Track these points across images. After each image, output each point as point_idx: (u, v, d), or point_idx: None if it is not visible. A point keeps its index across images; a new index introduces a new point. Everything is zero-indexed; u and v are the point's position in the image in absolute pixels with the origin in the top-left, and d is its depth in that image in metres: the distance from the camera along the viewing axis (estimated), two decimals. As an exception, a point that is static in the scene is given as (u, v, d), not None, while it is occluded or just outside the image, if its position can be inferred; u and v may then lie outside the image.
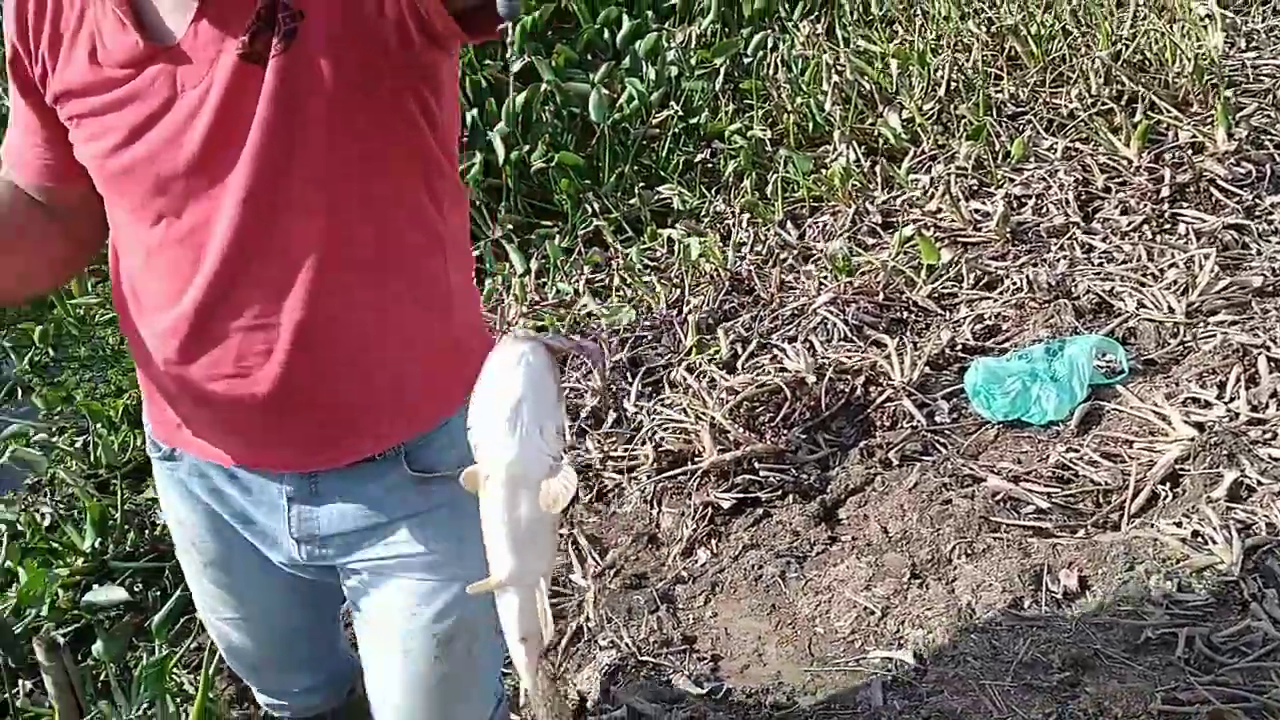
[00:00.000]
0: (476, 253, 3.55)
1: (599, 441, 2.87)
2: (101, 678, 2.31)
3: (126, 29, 1.16)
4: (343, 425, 1.32)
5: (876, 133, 4.05)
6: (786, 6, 4.72)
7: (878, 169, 3.85)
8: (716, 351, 3.09)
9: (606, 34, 4.34)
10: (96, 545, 2.62)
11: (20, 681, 2.32)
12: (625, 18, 4.36)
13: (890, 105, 4.12)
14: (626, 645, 2.34)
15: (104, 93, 1.20)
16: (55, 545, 2.67)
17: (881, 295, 3.25)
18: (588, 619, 2.41)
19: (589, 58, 4.24)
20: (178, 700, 2.23)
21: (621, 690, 2.22)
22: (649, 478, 2.76)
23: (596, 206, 3.73)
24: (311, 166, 1.17)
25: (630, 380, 3.05)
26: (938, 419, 2.79)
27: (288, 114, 1.15)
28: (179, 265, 1.23)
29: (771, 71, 4.32)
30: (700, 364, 3.05)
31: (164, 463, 1.46)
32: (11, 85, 1.31)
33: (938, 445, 2.71)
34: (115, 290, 1.36)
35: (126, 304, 1.32)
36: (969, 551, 2.33)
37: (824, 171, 3.86)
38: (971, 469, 2.59)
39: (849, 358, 2.99)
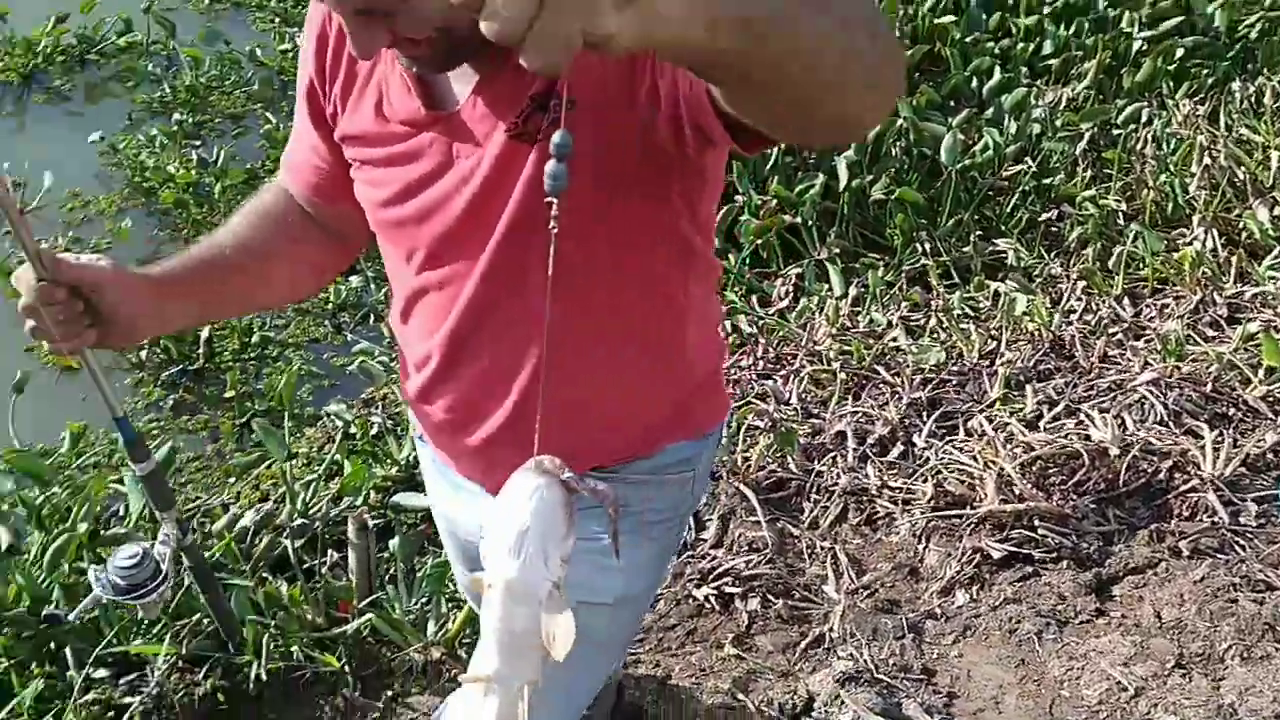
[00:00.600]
0: (798, 270, 3.66)
1: (880, 469, 2.89)
2: (391, 571, 2.59)
3: (410, 93, 1.23)
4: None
5: (1240, 224, 3.80)
6: (1171, 84, 4.52)
7: (1234, 260, 3.62)
8: (1020, 407, 3.03)
9: (974, 82, 4.33)
10: (410, 459, 2.94)
11: (328, 552, 2.65)
12: (997, 70, 4.34)
13: (1262, 199, 3.86)
14: (865, 662, 2.36)
15: (386, 146, 1.27)
16: (377, 451, 3.02)
17: (1210, 387, 3.06)
18: (832, 629, 2.45)
19: (951, 103, 4.26)
20: (449, 604, 2.48)
21: (850, 698, 2.25)
22: (922, 513, 2.76)
23: (928, 247, 3.74)
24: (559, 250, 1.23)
25: (924, 419, 3.05)
26: (1242, 519, 2.61)
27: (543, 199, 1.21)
28: (433, 311, 1.32)
29: (1139, 145, 4.16)
30: (1001, 416, 3.00)
31: (419, 440, 1.60)
32: (302, 111, 1.41)
33: (1236, 545, 2.54)
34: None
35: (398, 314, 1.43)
36: (1245, 655, 2.18)
37: (1174, 254, 3.67)
38: (1267, 576, 2.41)
39: (1159, 439, 2.85)
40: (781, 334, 3.41)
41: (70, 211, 4.16)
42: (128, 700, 2.22)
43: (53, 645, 2.32)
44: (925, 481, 2.84)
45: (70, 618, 2.01)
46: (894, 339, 3.39)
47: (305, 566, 2.57)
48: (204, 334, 3.46)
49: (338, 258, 1.56)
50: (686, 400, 1.42)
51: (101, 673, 2.27)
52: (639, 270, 1.26)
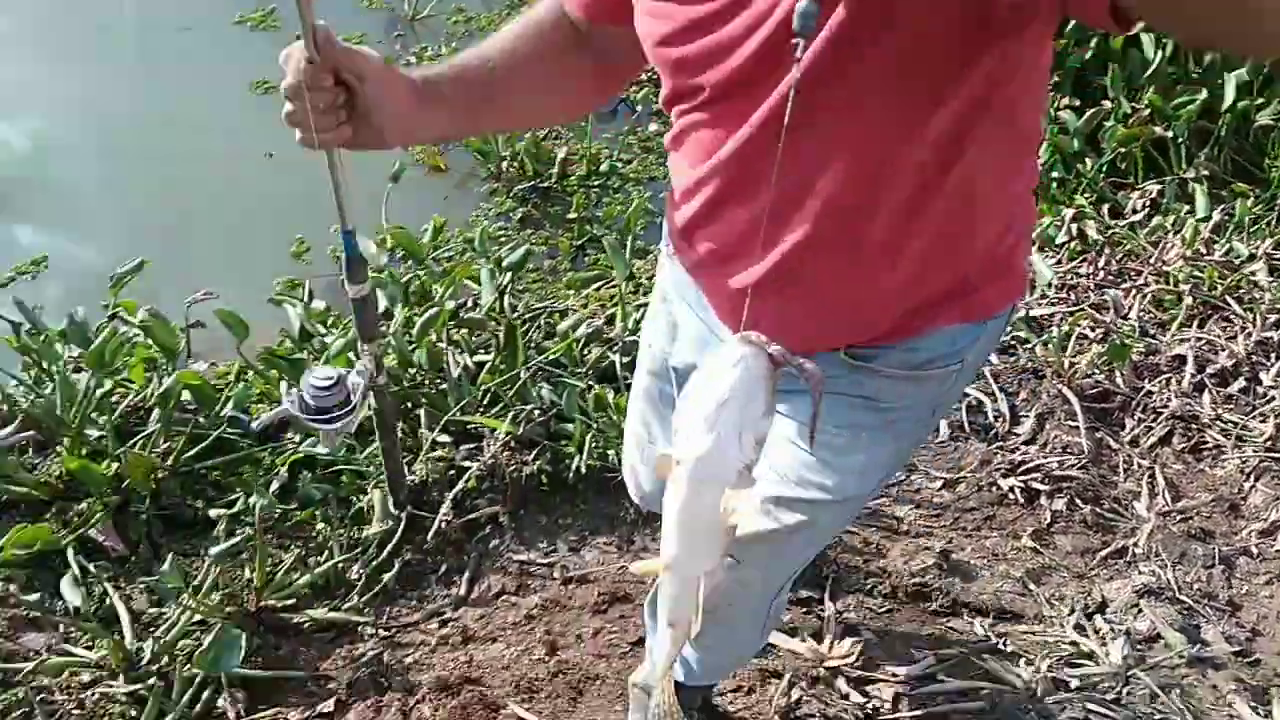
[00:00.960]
0: (1159, 186, 3.45)
1: (1216, 400, 2.75)
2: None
3: None
4: (817, 324, 1.27)
5: None
6: None
7: None
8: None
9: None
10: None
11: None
12: None
13: None
14: (1167, 581, 2.30)
15: None
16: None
17: None
18: (1137, 544, 2.39)
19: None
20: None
21: (1149, 609, 2.21)
22: (1255, 452, 2.61)
23: (1309, 184, 3.43)
24: (851, 109, 1.08)
25: (1274, 360, 2.86)
26: None
27: (843, 52, 1.04)
28: (704, 145, 1.22)
29: None
30: (1364, 371, 2.77)
31: (668, 258, 1.47)
32: None
33: None
34: None
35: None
36: None
37: None
38: None
39: None
40: (1129, 248, 3.25)
41: (454, 24, 4.46)
42: (466, 464, 2.47)
43: (409, 404, 2.60)
44: (1265, 421, 2.68)
45: (253, 427, 1.95)
46: (1253, 273, 3.16)
47: (627, 382, 2.74)
48: (559, 154, 3.67)
49: (605, 82, 1.46)
50: (970, 274, 1.26)
51: (444, 438, 2.53)
52: (929, 122, 1.10)
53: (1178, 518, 2.49)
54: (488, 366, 2.67)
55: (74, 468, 2.28)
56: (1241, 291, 3.11)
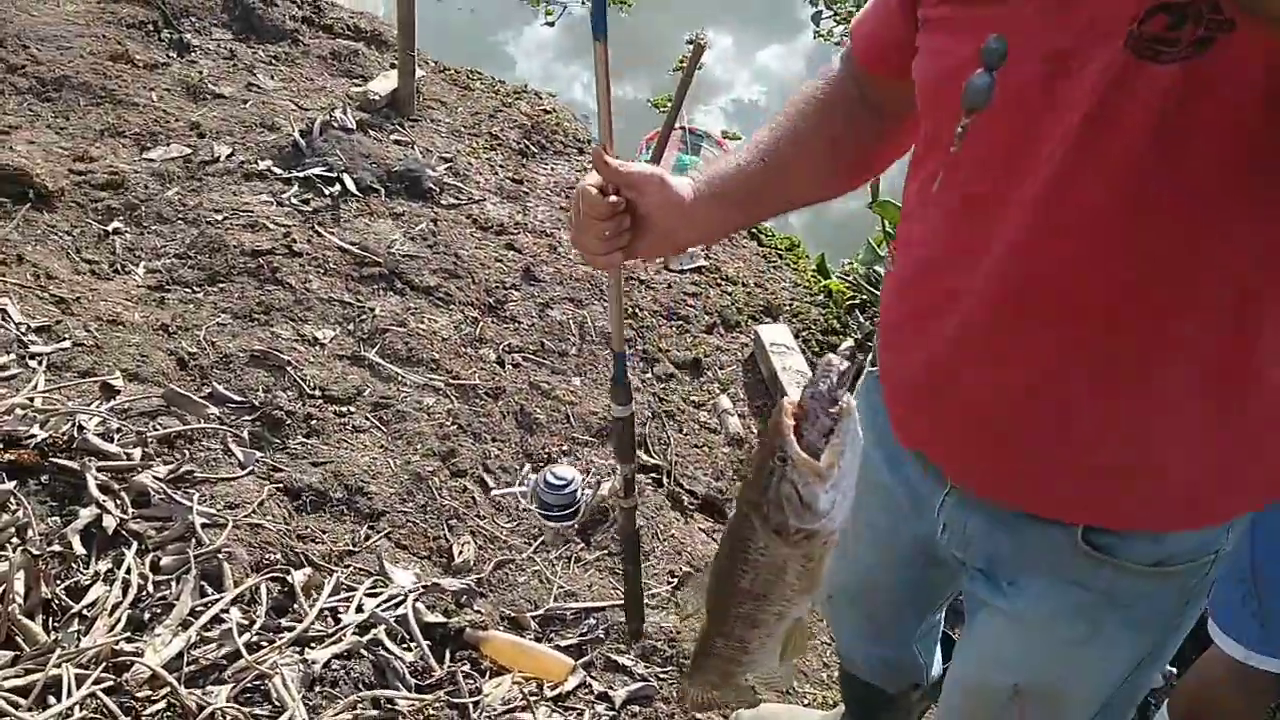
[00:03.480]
0: None
1: None
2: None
3: None
4: (1021, 462, 1.14)
5: None
6: None
7: None
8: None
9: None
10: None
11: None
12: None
13: None
14: None
15: (967, 6, 1.03)
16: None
17: None
18: None
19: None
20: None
21: None
22: None
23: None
24: (1138, 217, 0.94)
25: None
26: None
27: (1166, 142, 0.89)
28: (932, 221, 1.12)
29: None
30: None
31: (869, 367, 1.40)
32: None
33: None
34: None
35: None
36: None
37: None
38: None
39: None
40: None
41: None
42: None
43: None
44: None
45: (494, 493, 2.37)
46: None
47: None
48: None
49: (889, 145, 1.33)
50: (1243, 457, 1.08)
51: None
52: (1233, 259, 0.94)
53: None
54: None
55: None
56: None
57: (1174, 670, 2.46)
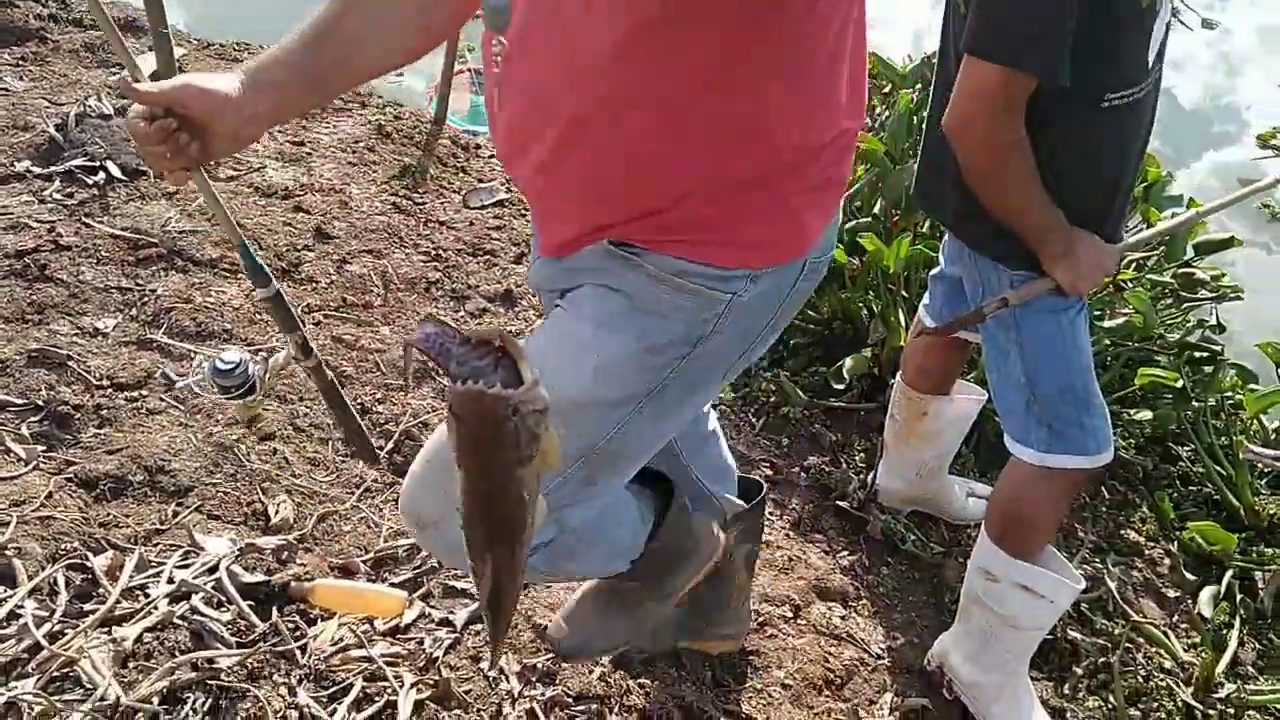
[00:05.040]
0: None
1: None
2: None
3: None
4: (575, 211, 1.34)
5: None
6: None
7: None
8: None
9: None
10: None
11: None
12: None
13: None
14: None
15: None
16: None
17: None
18: None
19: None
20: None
21: None
22: None
23: None
24: None
25: None
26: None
27: None
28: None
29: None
30: None
31: None
32: None
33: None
34: None
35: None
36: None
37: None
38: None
39: None
40: None
41: None
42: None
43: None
44: None
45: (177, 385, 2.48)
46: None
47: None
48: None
49: (423, 41, 1.45)
50: (721, 203, 1.27)
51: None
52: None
53: None
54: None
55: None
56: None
57: (984, 488, 2.58)
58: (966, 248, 1.99)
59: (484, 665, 1.97)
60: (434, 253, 3.23)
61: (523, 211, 3.55)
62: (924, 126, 2.03)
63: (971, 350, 2.48)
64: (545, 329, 1.42)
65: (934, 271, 2.31)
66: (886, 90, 3.70)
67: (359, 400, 2.62)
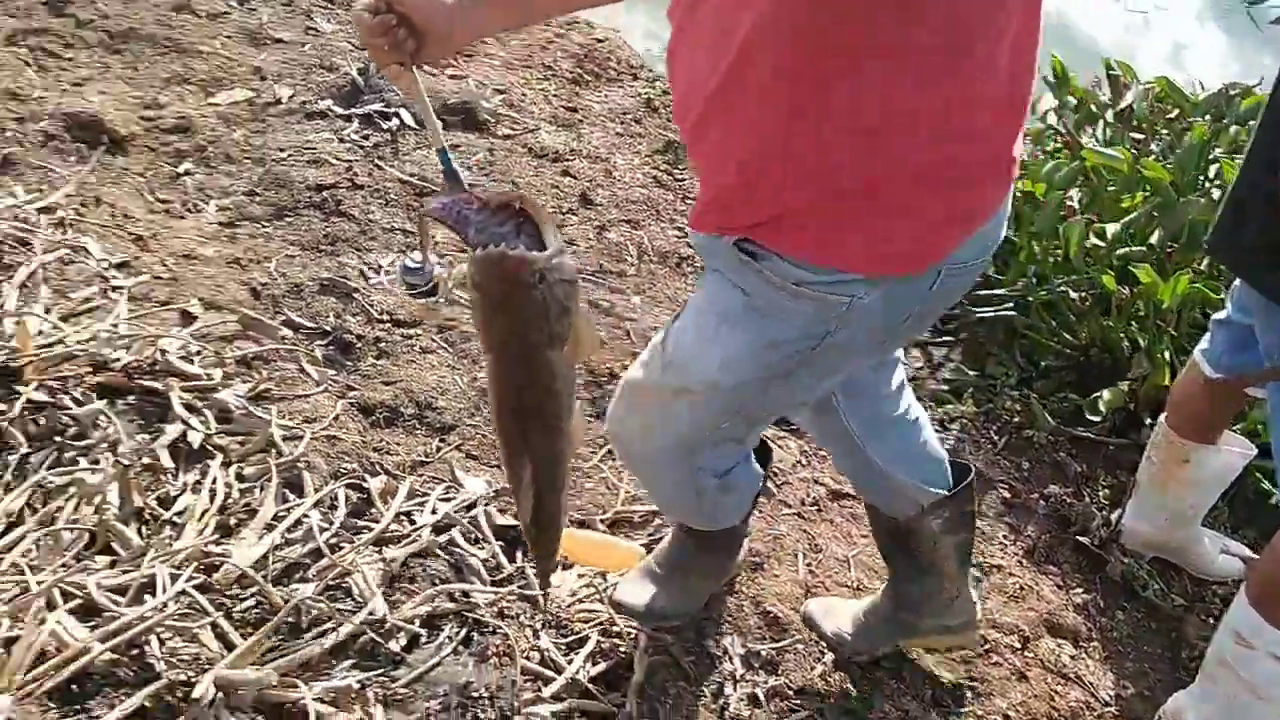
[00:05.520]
0: None
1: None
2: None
3: None
4: (712, 194, 1.41)
5: None
6: None
7: None
8: None
9: None
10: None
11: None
12: None
13: None
14: None
15: None
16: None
17: None
18: None
19: None
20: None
21: None
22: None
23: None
24: None
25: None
26: None
27: None
28: None
29: None
30: None
31: None
32: None
33: None
34: None
35: None
36: None
37: None
38: None
39: None
40: None
41: None
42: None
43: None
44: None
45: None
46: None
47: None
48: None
49: None
50: (840, 205, 1.32)
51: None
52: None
53: None
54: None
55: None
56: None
57: (1250, 554, 2.43)
58: (1268, 300, 1.87)
59: (708, 643, 2.02)
60: (688, 230, 3.29)
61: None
62: (1242, 164, 1.92)
63: (1245, 402, 2.34)
64: (686, 310, 1.53)
65: (1218, 316, 2.18)
66: (1172, 116, 3.50)
67: (606, 366, 2.71)
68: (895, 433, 1.83)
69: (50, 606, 1.68)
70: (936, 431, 2.06)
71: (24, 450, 1.95)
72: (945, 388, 2.95)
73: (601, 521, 2.26)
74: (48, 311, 2.26)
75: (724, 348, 1.44)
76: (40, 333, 2.17)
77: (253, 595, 1.83)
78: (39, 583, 1.71)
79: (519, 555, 2.07)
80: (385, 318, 2.68)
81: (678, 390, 1.50)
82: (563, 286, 0.94)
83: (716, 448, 1.63)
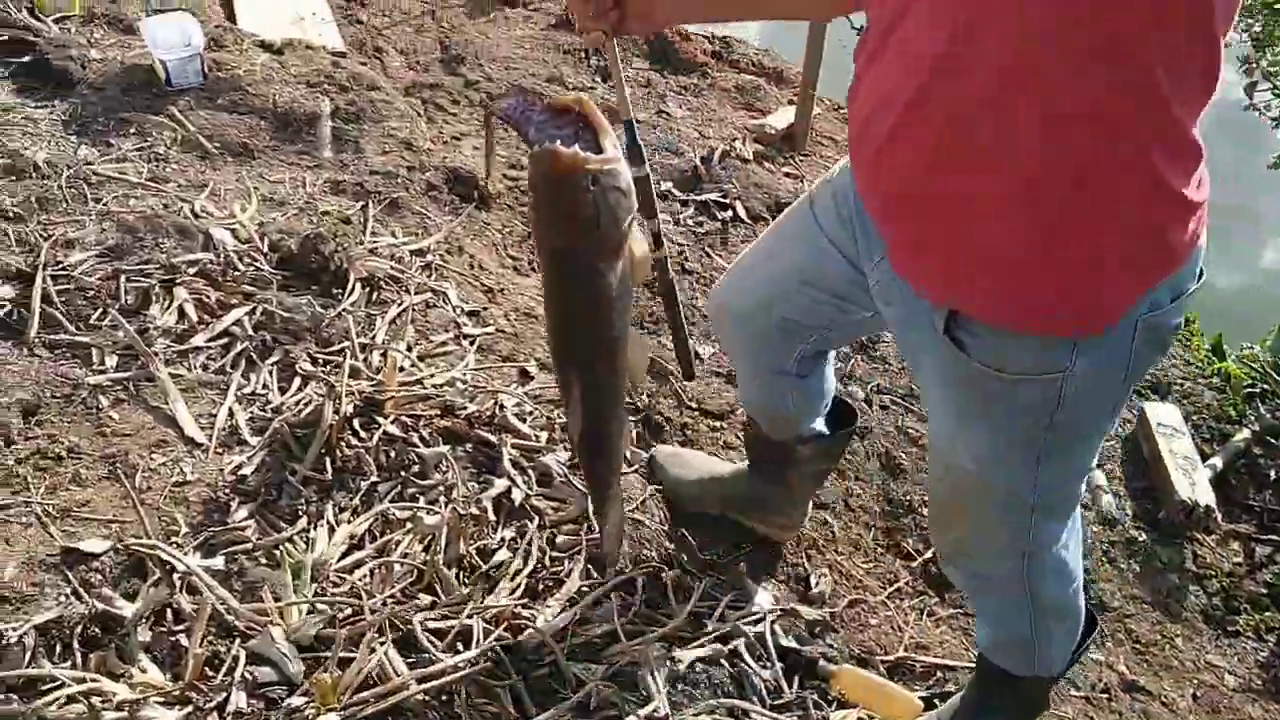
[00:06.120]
0: None
1: None
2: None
3: None
4: (911, 247, 1.38)
5: None
6: None
7: None
8: None
9: None
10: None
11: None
12: None
13: None
14: None
15: None
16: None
17: None
18: None
19: None
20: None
21: None
22: None
23: None
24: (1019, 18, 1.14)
25: None
26: None
27: None
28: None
29: None
30: None
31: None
32: None
33: None
34: None
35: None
36: None
37: None
38: None
39: None
40: None
41: None
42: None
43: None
44: None
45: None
46: None
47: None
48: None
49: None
50: (1074, 273, 1.27)
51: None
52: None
53: None
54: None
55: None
56: None
57: None
58: None
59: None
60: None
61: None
62: None
63: None
64: (931, 408, 1.59)
65: None
66: None
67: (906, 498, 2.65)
68: (823, 370, 2.01)
69: (379, 633, 1.81)
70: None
71: (374, 479, 2.12)
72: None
73: (882, 663, 2.20)
74: (409, 349, 2.45)
75: (969, 446, 1.51)
76: (402, 369, 2.35)
77: (548, 665, 1.89)
78: (372, 609, 1.84)
79: (797, 681, 2.04)
80: (694, 405, 2.74)
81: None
82: (615, 194, 0.93)
83: None
